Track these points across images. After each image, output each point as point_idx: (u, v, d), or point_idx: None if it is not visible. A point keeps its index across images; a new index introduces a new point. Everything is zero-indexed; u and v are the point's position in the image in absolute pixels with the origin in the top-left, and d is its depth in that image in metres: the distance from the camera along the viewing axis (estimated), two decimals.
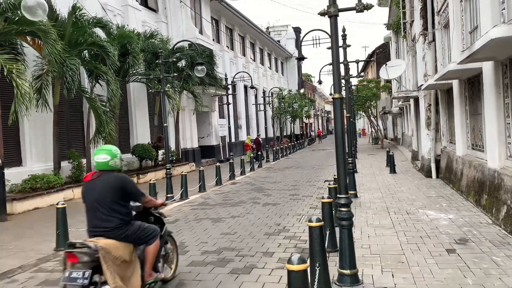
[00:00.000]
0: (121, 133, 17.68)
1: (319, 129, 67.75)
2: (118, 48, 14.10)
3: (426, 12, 13.75)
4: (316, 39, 10.89)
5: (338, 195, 5.09)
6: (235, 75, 19.77)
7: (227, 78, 17.63)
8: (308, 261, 4.11)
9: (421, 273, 5.15)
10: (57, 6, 12.80)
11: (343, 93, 16.49)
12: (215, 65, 21.68)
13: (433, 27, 13.60)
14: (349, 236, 4.98)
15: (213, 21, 28.85)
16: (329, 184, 7.82)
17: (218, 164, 15.29)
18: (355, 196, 10.78)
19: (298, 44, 53.05)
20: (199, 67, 11.64)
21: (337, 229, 6.61)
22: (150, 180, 10.70)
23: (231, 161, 16.97)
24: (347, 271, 4.94)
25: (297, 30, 52.89)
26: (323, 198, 6.49)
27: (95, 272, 3.89)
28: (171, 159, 19.68)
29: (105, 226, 4.16)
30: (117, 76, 15.23)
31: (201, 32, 24.93)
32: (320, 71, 16.56)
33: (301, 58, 10.73)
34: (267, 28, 47.89)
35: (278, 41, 45.40)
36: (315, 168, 19.64)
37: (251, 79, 19.79)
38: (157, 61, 12.07)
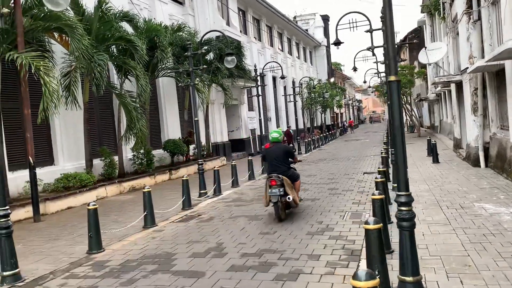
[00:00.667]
0: (152, 128, 17.45)
1: (350, 119, 66.36)
2: (146, 42, 13.77)
3: None
4: (352, 22, 10.12)
5: (397, 193, 4.46)
6: (265, 65, 19.18)
7: (256, 69, 17.06)
8: (377, 276, 3.55)
9: (495, 279, 4.49)
10: (83, 0, 12.54)
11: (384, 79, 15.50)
12: (243, 57, 21.15)
13: (479, 4, 12.60)
14: (411, 239, 4.34)
15: (240, 12, 28.31)
16: (375, 178, 7.14)
17: (250, 157, 14.81)
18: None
19: (327, 32, 51.95)
20: (229, 58, 11.13)
21: (391, 229, 6.08)
22: (183, 176, 10.31)
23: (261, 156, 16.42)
24: (409, 278, 4.31)
25: (325, 18, 51.74)
26: (373, 194, 5.81)
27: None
28: (202, 154, 19.39)
29: (280, 170, 7.98)
30: (146, 71, 14.95)
31: (228, 23, 24.46)
32: (355, 57, 15.80)
33: (337, 43, 10.03)
34: (294, 17, 46.90)
35: (306, 30, 44.44)
36: (351, 160, 18.89)
37: (281, 68, 19.17)
38: (186, 53, 11.61)
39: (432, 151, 15.39)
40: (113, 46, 13.66)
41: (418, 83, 37.22)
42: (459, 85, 16.67)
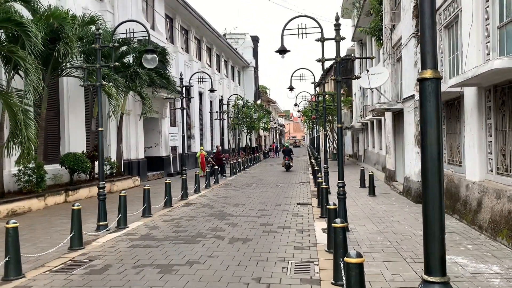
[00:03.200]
0: (48, 138, 14.44)
1: (274, 142, 65.90)
2: (45, 30, 11.07)
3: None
4: (302, 28, 8.51)
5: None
6: (192, 75, 17.03)
7: (182, 79, 14.88)
8: None
9: None
10: None
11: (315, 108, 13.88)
12: (168, 65, 18.88)
13: None
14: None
15: (168, 19, 26.06)
16: (327, 205, 5.36)
17: (167, 180, 12.48)
18: (346, 229, 8.39)
19: (256, 53, 51.22)
20: (149, 56, 8.88)
21: None
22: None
23: (183, 176, 14.16)
24: None
25: (254, 39, 51.01)
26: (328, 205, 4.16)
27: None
28: (111, 172, 16.60)
29: (288, 158, 26.51)
30: (45, 67, 12.15)
31: (153, 28, 22.09)
32: (292, 76, 14.31)
33: (282, 51, 8.26)
34: (224, 34, 45.42)
35: (236, 49, 43.10)
36: (279, 187, 17.22)
37: (211, 80, 17.13)
38: (93, 45, 9.18)
39: (368, 183, 14.19)
40: (1, 32, 10.79)
41: (342, 112, 37.32)
42: (397, 114, 15.85)
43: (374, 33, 18.27)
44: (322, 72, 8.46)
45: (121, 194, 9.49)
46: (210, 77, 17.22)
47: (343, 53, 41.18)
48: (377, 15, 17.94)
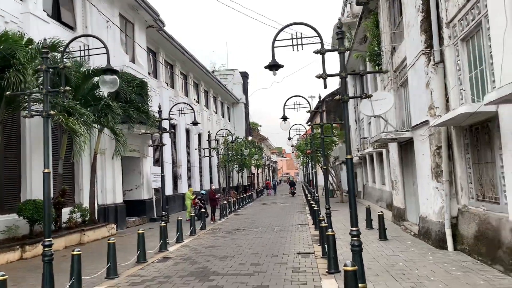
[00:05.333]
0: (5, 184, 12.43)
1: (268, 179, 63.82)
2: None
3: (430, 24, 10.32)
4: (296, 38, 6.90)
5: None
6: (172, 107, 15.24)
7: (160, 111, 13.08)
8: None
9: None
10: None
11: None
12: (147, 98, 17.16)
13: (441, 43, 10.14)
14: None
15: (150, 53, 24.64)
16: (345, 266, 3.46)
17: (141, 230, 10.40)
18: None
19: (246, 89, 50.08)
20: (108, 77, 7.03)
21: None
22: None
23: (162, 223, 12.10)
24: None
25: (244, 75, 49.99)
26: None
27: None
28: (82, 220, 14.52)
29: (293, 188, 42.32)
30: None
31: (133, 61, 20.57)
32: (285, 105, 12.60)
33: (274, 66, 6.52)
34: (213, 71, 44.26)
35: (225, 85, 41.83)
36: (275, 231, 15.16)
37: (194, 112, 15.35)
38: (38, 66, 7.40)
39: (378, 224, 12.23)
40: None
41: (337, 146, 35.67)
42: (404, 145, 14.10)
43: (372, 58, 16.77)
44: (324, 87, 6.65)
45: (74, 252, 7.41)
46: (192, 108, 15.43)
47: (335, 86, 40.18)
48: (374, 39, 16.51)
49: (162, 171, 13.56)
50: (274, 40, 6.87)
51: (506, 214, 7.48)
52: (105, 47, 7.52)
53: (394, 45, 14.41)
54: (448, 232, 9.78)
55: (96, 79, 14.57)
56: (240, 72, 49.25)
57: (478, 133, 8.92)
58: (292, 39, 6.86)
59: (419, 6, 10.62)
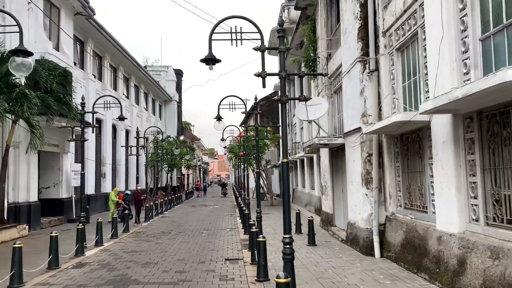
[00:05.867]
0: None
1: (198, 181, 62.77)
2: None
3: (367, 32, 10.39)
4: (235, 32, 6.52)
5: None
6: (97, 99, 14.13)
7: (84, 103, 12.04)
8: None
9: None
10: None
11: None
12: (71, 89, 15.86)
13: (377, 52, 10.25)
14: None
15: (77, 42, 23.01)
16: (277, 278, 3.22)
17: (54, 233, 9.39)
18: None
19: (179, 87, 48.90)
20: (19, 59, 6.09)
21: None
22: None
23: (79, 225, 11.09)
24: None
25: (178, 73, 48.78)
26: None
27: None
28: None
29: (225, 189, 47.34)
30: None
31: (58, 49, 19.02)
32: (220, 104, 12.15)
33: (210, 60, 6.05)
34: (145, 66, 42.62)
35: (157, 82, 40.40)
36: (203, 235, 14.60)
37: (120, 106, 14.37)
38: None
39: (308, 230, 12.14)
40: None
41: (269, 150, 35.81)
42: (335, 151, 14.21)
43: (307, 64, 16.84)
44: (263, 86, 6.28)
45: None
46: (119, 102, 14.46)
47: (269, 90, 40.36)
48: (311, 45, 16.60)
49: (83, 169, 12.52)
50: (212, 32, 6.40)
51: (433, 223, 7.59)
52: (18, 24, 6.59)
53: (330, 52, 14.52)
54: (376, 239, 9.86)
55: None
56: (174, 70, 47.97)
57: (409, 142, 9.07)
58: (231, 33, 6.43)
59: (357, 13, 10.68)
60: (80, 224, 11.20)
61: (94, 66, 25.62)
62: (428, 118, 7.39)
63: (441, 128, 7.05)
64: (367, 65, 10.40)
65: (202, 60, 6.35)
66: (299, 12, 18.08)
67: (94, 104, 13.12)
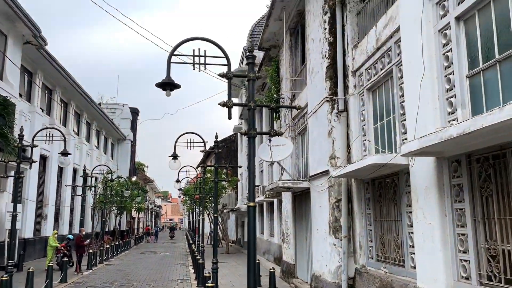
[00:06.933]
0: None
1: (148, 225, 59.85)
2: None
3: (336, 71, 9.93)
4: (198, 56, 5.71)
5: None
6: (37, 132, 12.68)
7: (22, 136, 10.69)
8: None
9: None
10: None
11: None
12: (12, 120, 14.35)
13: (346, 92, 9.75)
14: None
15: (25, 72, 21.54)
16: None
17: None
18: None
19: (134, 126, 47.39)
20: None
21: None
22: None
23: (4, 276, 9.45)
24: None
25: (134, 111, 47.36)
26: None
27: None
28: None
29: (172, 232, 51.63)
30: None
31: (1, 77, 17.53)
32: (176, 141, 11.17)
33: (170, 84, 5.15)
34: (100, 103, 41.00)
35: (112, 120, 38.80)
36: (151, 287, 13.08)
37: (65, 140, 13.01)
38: None
39: (269, 283, 11.03)
40: None
41: (227, 193, 34.63)
42: (299, 195, 13.41)
43: (271, 99, 16.29)
44: (228, 117, 5.42)
45: None
46: (63, 136, 13.09)
47: (229, 132, 39.67)
48: (274, 85, 16.13)
49: (15, 209, 10.92)
50: (171, 54, 5.54)
51: (413, 279, 6.77)
52: None
53: (294, 92, 14.04)
54: None
55: None
56: (130, 108, 46.59)
57: (382, 187, 8.39)
58: (194, 56, 5.60)
59: (326, 51, 10.24)
60: (6, 275, 9.56)
61: (43, 99, 24.02)
62: (407, 161, 6.75)
63: (422, 173, 6.39)
64: (335, 105, 9.85)
65: (158, 85, 5.44)
66: (261, 54, 17.78)
67: (35, 136, 11.73)
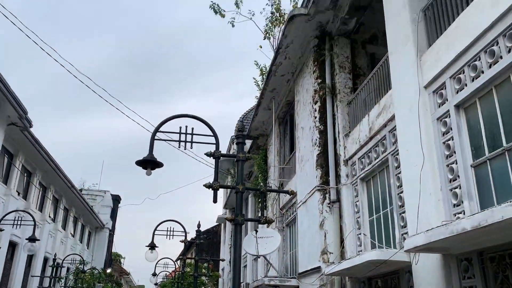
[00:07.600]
0: None
1: None
2: None
3: (327, 160, 9.59)
4: (186, 133, 5.33)
5: None
6: (6, 215, 11.81)
7: None
8: None
9: None
10: None
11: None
12: None
13: (338, 181, 9.33)
14: None
15: (6, 154, 20.92)
16: None
17: None
18: None
19: (115, 214, 45.82)
20: None
21: None
22: None
23: None
24: None
25: (115, 199, 46.08)
26: None
27: None
28: None
29: None
30: None
31: None
32: (155, 230, 10.37)
33: (151, 162, 4.66)
34: (81, 189, 39.92)
35: (92, 206, 37.46)
36: None
37: (34, 224, 12.06)
38: None
39: None
40: None
41: None
42: None
43: (257, 193, 15.77)
44: (214, 200, 4.86)
45: None
46: (34, 220, 12.18)
47: (213, 222, 38.41)
48: (261, 174, 15.77)
49: None
50: (156, 130, 5.12)
51: None
52: None
53: (283, 181, 13.61)
54: None
55: None
56: (112, 195, 45.37)
57: (379, 287, 7.60)
58: (180, 133, 5.18)
59: (316, 139, 10.00)
60: None
61: (21, 182, 23.11)
62: (409, 258, 6.11)
63: (428, 272, 5.73)
64: (327, 195, 9.35)
65: (138, 163, 4.93)
66: (249, 143, 17.67)
67: (2, 219, 10.82)
